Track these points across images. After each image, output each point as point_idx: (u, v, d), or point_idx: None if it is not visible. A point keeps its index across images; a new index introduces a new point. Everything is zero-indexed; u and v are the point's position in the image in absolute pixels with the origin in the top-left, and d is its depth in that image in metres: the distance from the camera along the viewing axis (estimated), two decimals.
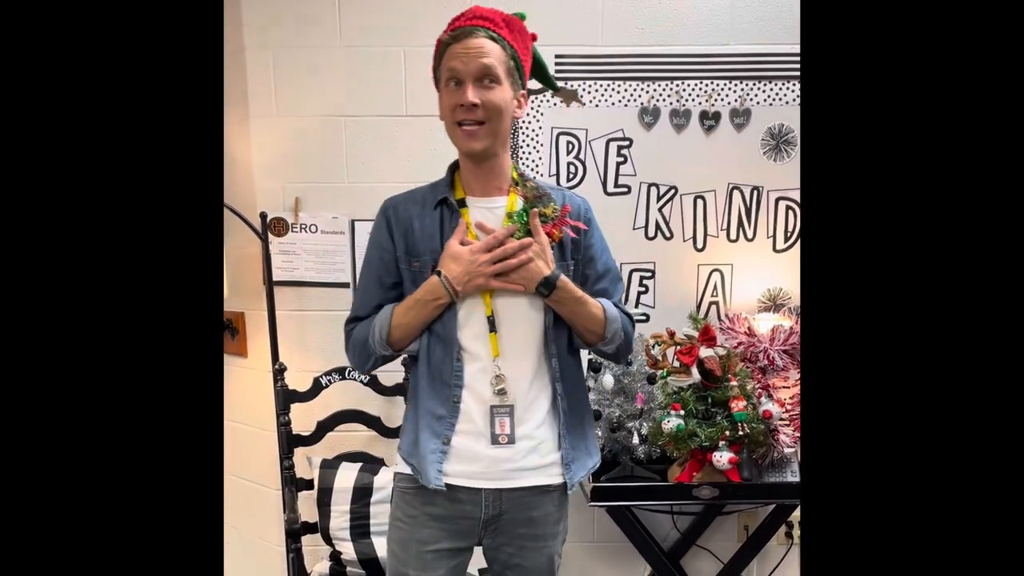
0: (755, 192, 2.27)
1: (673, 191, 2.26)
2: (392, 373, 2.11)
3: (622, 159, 2.25)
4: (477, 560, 1.48)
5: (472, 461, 1.35)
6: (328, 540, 2.15)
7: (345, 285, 2.28)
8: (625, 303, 1.58)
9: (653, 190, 2.26)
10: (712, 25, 2.20)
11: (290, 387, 2.16)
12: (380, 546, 2.02)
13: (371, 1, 2.18)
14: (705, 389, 1.94)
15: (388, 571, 1.45)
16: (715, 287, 2.31)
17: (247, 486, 2.48)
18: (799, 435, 1.91)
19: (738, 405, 1.87)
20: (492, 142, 1.34)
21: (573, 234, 1.41)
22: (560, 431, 1.39)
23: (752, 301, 2.30)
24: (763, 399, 1.94)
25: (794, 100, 2.22)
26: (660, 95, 2.21)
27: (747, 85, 2.21)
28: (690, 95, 2.22)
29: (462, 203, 1.40)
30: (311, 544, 2.21)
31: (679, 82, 2.21)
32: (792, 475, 1.95)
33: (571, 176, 2.25)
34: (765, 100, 2.22)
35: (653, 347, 2.02)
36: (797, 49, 2.02)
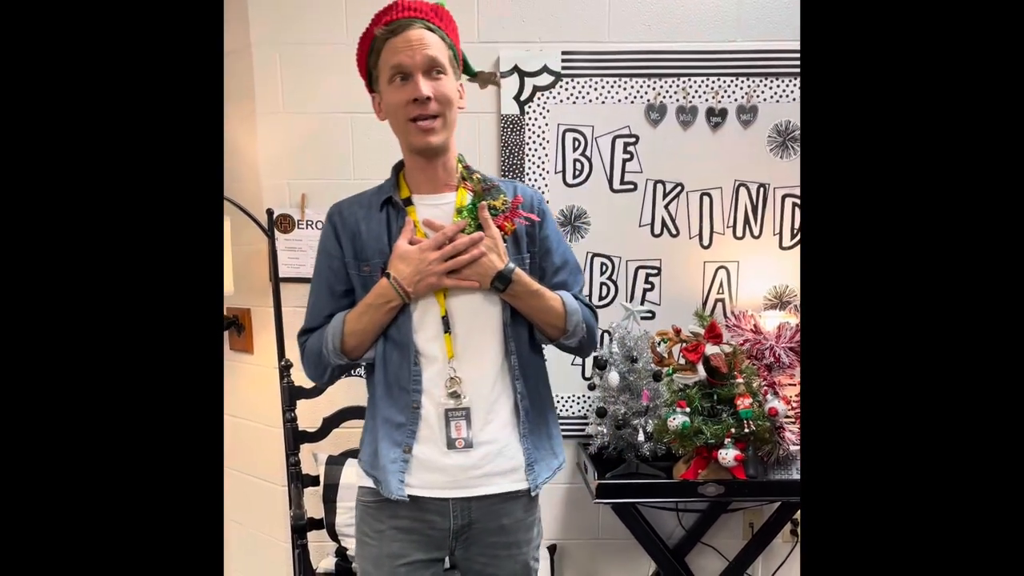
0: (761, 189, 2.26)
1: (679, 188, 2.26)
2: None
3: (628, 156, 2.24)
4: None
5: (436, 470, 1.30)
6: (334, 536, 2.16)
7: None
8: (590, 297, 1.50)
9: (659, 187, 2.26)
10: (719, 21, 2.20)
11: (296, 383, 2.16)
12: None
13: None
14: (711, 386, 1.93)
15: None
16: (721, 284, 2.31)
17: (253, 482, 2.48)
18: None
19: (744, 402, 1.87)
20: (448, 135, 1.31)
21: (525, 223, 1.36)
22: (521, 431, 1.34)
23: (758, 298, 2.30)
24: (769, 396, 1.94)
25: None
26: (666, 92, 2.21)
27: (754, 82, 2.21)
28: (696, 92, 2.21)
29: (408, 202, 1.35)
30: (317, 540, 2.21)
31: (685, 79, 2.21)
32: (797, 473, 1.95)
33: (577, 173, 2.25)
34: (772, 97, 2.22)
35: (659, 344, 2.02)
36: None
